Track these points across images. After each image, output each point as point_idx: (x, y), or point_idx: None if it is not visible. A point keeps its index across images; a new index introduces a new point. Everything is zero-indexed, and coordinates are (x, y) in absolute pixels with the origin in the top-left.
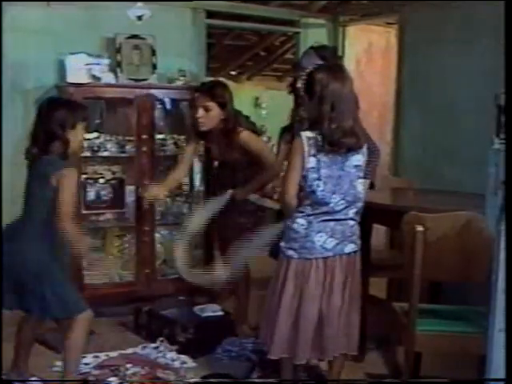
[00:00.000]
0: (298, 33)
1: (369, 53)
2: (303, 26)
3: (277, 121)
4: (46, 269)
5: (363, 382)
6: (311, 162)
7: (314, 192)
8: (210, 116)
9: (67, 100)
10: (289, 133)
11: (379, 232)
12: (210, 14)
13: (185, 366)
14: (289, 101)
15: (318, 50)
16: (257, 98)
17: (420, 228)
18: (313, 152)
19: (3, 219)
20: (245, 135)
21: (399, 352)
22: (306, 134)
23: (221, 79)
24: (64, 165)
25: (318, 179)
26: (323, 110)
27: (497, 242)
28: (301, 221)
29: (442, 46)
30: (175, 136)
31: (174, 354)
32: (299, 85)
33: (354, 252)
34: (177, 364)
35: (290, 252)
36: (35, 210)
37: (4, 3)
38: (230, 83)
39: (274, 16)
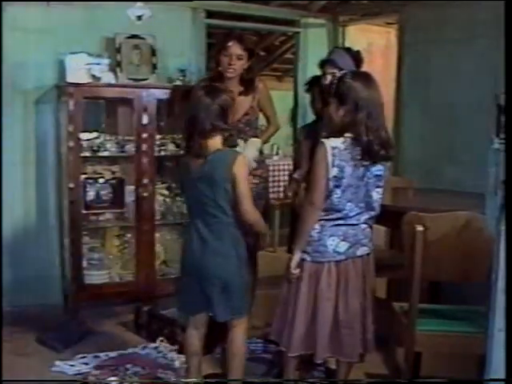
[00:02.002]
0: (297, 33)
1: (369, 53)
2: (303, 25)
3: None
4: (237, 269)
5: (363, 382)
6: (334, 171)
7: (330, 198)
8: (239, 64)
9: (218, 84)
10: (308, 131)
11: (379, 232)
12: (210, 14)
13: (185, 365)
14: (288, 100)
15: (347, 50)
16: None
17: (420, 228)
18: (336, 162)
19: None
20: (262, 83)
21: (399, 352)
22: (330, 144)
23: None
24: (236, 153)
25: (338, 187)
26: (359, 118)
27: (497, 242)
28: (315, 225)
29: (442, 46)
30: (175, 136)
31: (174, 354)
32: (327, 82)
33: (367, 254)
34: (177, 364)
35: (304, 255)
36: (218, 208)
37: (4, 3)
38: None
39: (274, 16)
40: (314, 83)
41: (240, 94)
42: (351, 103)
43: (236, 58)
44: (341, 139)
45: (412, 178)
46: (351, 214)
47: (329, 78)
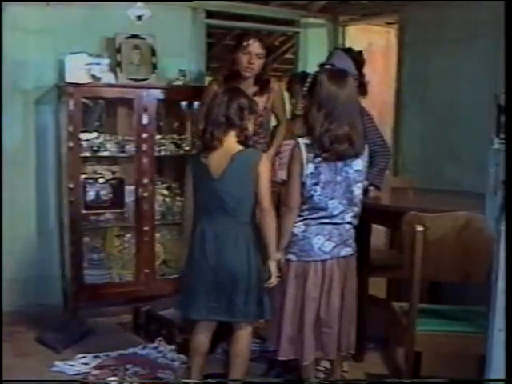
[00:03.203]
0: (297, 33)
1: (369, 53)
2: (303, 25)
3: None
4: (255, 271)
5: (363, 382)
6: (310, 168)
7: (311, 197)
8: (258, 63)
9: (240, 88)
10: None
11: (379, 232)
12: (210, 14)
13: (184, 365)
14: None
15: (348, 51)
16: None
17: (420, 228)
18: (311, 158)
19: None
20: (277, 85)
21: (399, 352)
22: (304, 141)
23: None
24: (259, 152)
25: (317, 184)
26: (317, 114)
27: (497, 242)
28: (299, 224)
29: (442, 46)
30: (175, 136)
31: (173, 354)
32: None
33: (350, 255)
34: (176, 364)
35: (289, 255)
36: (239, 207)
37: (4, 3)
38: None
39: (274, 16)
40: (294, 80)
41: (254, 94)
42: (315, 98)
43: (256, 56)
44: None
45: (412, 178)
46: (335, 213)
47: None
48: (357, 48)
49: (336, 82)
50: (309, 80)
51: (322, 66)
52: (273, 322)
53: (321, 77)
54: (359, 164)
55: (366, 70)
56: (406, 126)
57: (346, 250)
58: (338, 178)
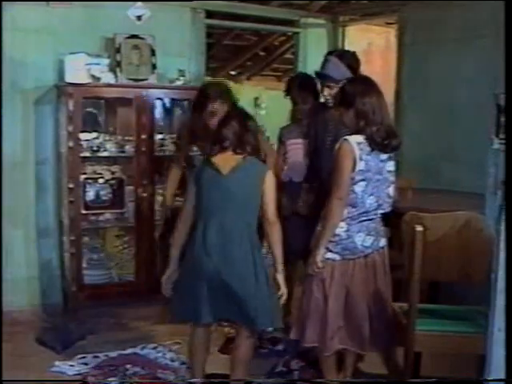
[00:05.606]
0: (297, 33)
1: (368, 52)
2: (303, 25)
3: (276, 121)
4: (261, 277)
5: (363, 382)
6: (361, 165)
7: (353, 191)
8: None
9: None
10: (288, 132)
11: None
12: (210, 14)
13: (184, 365)
14: (288, 100)
15: (341, 57)
16: (256, 98)
17: (419, 228)
18: (364, 156)
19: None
20: None
21: (399, 352)
22: (356, 140)
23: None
24: (264, 165)
25: (363, 180)
26: (362, 119)
27: (496, 242)
28: (341, 224)
29: (442, 46)
30: (175, 136)
31: (173, 354)
32: (325, 93)
33: (386, 245)
34: (176, 364)
35: (333, 255)
36: (246, 206)
37: (4, 3)
38: (229, 83)
39: (274, 16)
40: (294, 83)
41: None
42: (356, 106)
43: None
44: (361, 136)
45: (412, 178)
46: (371, 208)
47: (326, 90)
48: (357, 48)
49: (368, 89)
50: (337, 92)
51: (317, 74)
52: (312, 320)
53: (351, 88)
54: (392, 165)
55: (366, 70)
56: (405, 125)
57: (383, 241)
58: (378, 177)
